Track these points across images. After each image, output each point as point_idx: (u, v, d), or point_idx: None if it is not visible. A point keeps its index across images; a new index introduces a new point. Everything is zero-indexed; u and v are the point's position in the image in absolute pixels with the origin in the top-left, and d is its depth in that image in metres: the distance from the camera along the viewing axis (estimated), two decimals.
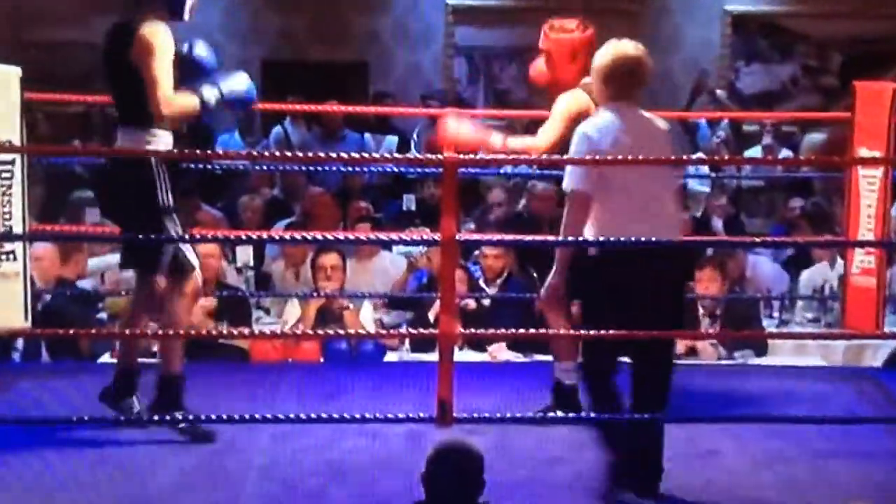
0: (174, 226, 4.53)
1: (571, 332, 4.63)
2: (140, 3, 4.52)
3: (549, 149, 4.66)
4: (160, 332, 4.72)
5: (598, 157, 4.04)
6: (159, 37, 4.41)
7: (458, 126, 4.78)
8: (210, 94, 4.50)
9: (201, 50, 4.60)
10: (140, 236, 4.44)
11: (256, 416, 4.35)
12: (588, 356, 4.22)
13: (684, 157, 4.16)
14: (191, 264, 4.61)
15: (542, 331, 4.88)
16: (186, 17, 4.57)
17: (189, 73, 4.54)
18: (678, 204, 4.23)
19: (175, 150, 4.62)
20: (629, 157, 4.01)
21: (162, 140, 4.53)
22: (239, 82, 4.60)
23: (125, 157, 4.57)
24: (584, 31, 4.79)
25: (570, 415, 4.68)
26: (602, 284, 4.02)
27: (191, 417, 4.53)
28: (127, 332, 4.73)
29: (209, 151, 6.91)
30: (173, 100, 4.42)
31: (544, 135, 4.71)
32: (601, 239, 4.02)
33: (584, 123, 4.15)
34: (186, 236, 4.63)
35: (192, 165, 5.93)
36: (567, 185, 4.11)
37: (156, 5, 4.51)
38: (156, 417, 4.59)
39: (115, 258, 6.91)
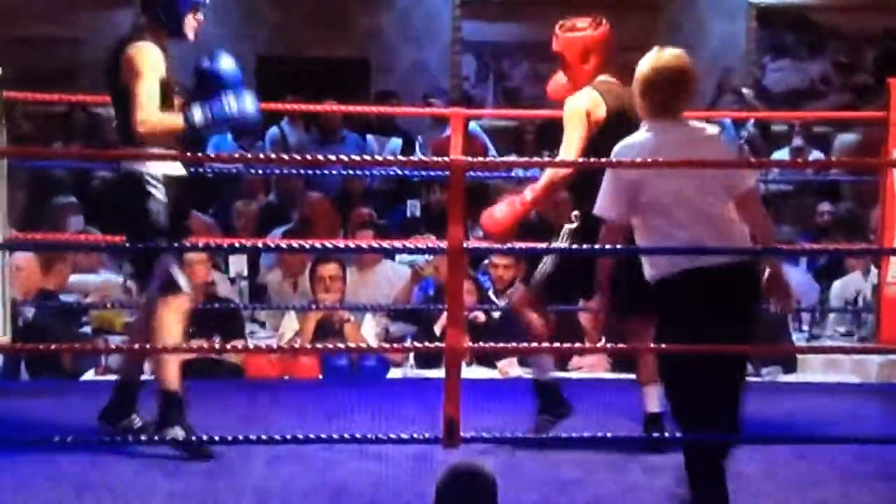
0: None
1: (579, 345, 4.64)
2: (138, 23, 4.62)
3: (577, 157, 4.66)
4: (141, 346, 4.74)
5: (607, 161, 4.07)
6: (144, 56, 4.49)
7: (493, 215, 4.84)
8: (198, 115, 4.53)
9: (223, 62, 4.64)
10: (128, 245, 4.46)
11: (251, 436, 4.35)
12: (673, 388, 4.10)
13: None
14: (179, 287, 4.64)
15: (555, 345, 4.88)
16: (190, 36, 4.63)
17: (208, 85, 4.58)
18: (753, 210, 4.18)
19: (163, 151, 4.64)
20: (656, 177, 3.95)
21: (160, 166, 4.57)
22: (240, 103, 4.59)
23: (121, 178, 4.64)
24: (597, 29, 4.77)
25: (585, 435, 4.69)
26: (665, 310, 4.00)
27: (181, 439, 4.54)
28: (111, 346, 4.74)
29: (200, 154, 6.91)
30: (151, 119, 4.47)
31: (566, 149, 4.70)
32: (615, 248, 4.04)
33: (618, 144, 4.10)
34: (176, 252, 4.66)
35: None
36: (595, 208, 4.11)
37: (154, 25, 4.59)
38: (143, 437, 4.61)
39: (101, 278, 6.97)
